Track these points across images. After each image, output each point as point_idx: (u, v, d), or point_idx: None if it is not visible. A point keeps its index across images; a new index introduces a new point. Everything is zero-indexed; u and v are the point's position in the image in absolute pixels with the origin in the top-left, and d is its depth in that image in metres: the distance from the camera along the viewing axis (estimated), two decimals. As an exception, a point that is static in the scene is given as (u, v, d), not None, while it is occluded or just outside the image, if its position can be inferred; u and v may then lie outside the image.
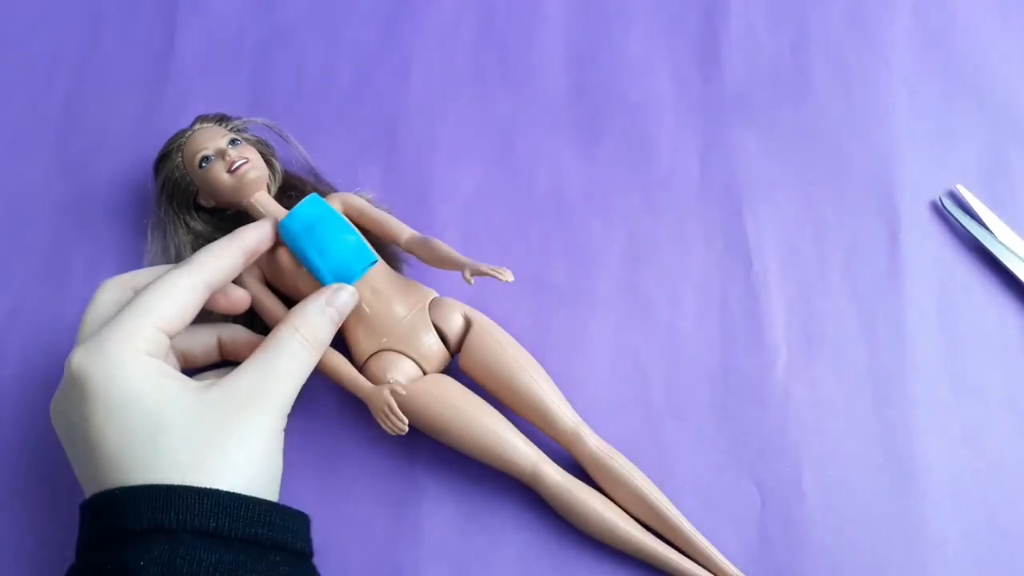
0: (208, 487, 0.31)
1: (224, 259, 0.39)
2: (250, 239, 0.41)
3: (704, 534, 0.43)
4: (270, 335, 0.37)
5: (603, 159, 0.53)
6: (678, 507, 0.43)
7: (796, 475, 0.45)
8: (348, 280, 0.42)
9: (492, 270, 0.42)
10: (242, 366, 0.35)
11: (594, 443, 0.43)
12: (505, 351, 0.44)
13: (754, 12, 0.57)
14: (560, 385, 0.45)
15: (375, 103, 0.54)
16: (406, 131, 0.54)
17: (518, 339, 0.45)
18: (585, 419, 0.45)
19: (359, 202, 0.47)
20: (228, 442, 0.32)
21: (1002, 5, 0.56)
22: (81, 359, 0.33)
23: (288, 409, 0.35)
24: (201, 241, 0.48)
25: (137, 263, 0.50)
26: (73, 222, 0.52)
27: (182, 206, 0.48)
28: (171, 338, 0.36)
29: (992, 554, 0.43)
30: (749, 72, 0.55)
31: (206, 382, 0.35)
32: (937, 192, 0.51)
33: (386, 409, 0.41)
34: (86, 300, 0.49)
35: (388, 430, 0.41)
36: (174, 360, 0.40)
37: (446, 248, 0.44)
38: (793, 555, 0.43)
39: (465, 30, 0.57)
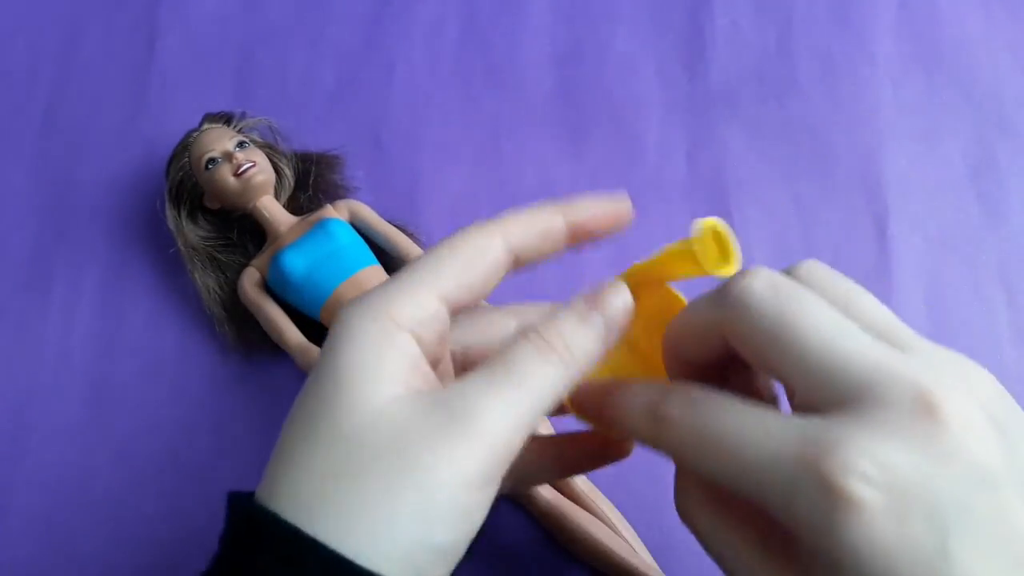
0: (348, 556, 0.21)
1: (539, 219, 0.28)
2: (584, 212, 0.29)
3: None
4: (509, 344, 0.25)
5: (589, 158, 0.52)
6: (671, 508, 0.43)
7: (788, 472, 0.45)
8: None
9: None
10: (460, 380, 0.24)
11: (578, 482, 0.42)
12: None
13: (739, 9, 0.56)
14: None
15: (360, 104, 0.54)
16: (391, 132, 0.53)
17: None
18: (575, 421, 0.45)
19: (367, 212, 0.47)
20: (401, 489, 0.22)
21: (985, -1, 0.57)
22: (344, 314, 0.25)
23: (510, 453, 0.24)
24: (207, 244, 0.48)
25: (122, 269, 0.50)
26: (55, 228, 0.51)
27: (188, 207, 0.48)
28: (454, 312, 0.26)
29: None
30: (734, 69, 0.55)
31: (428, 391, 0.24)
32: (924, 187, 0.52)
33: None
34: (69, 306, 0.49)
35: None
36: (445, 348, 0.28)
37: None
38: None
39: (449, 30, 0.56)
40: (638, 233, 0.50)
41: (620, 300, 0.27)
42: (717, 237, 0.27)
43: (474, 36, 0.56)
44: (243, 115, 0.50)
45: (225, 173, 0.45)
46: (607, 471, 0.44)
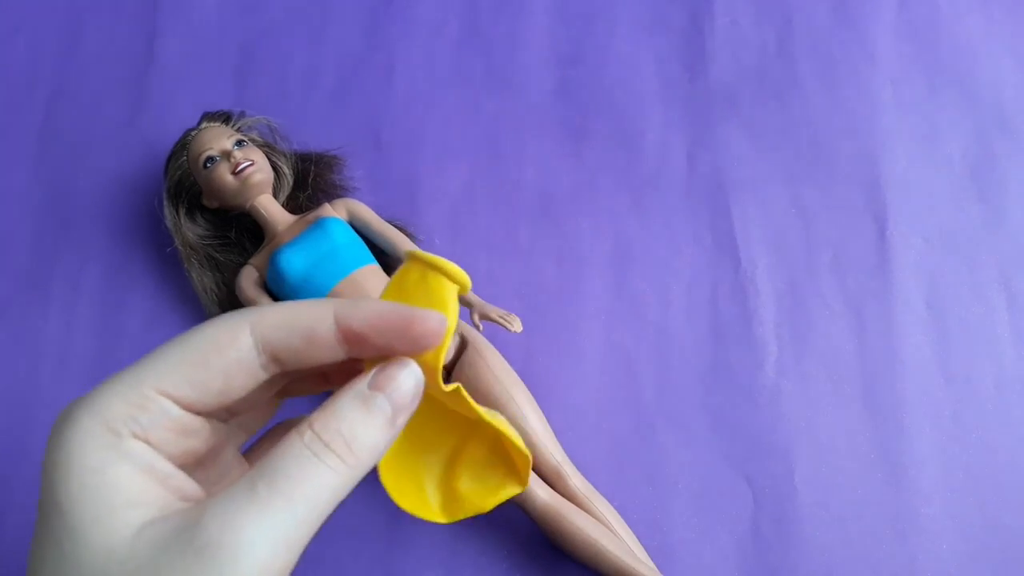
0: None
1: (302, 317, 0.23)
2: (361, 314, 0.23)
3: (697, 533, 0.43)
4: (279, 444, 0.22)
5: (590, 158, 0.52)
6: (671, 508, 0.43)
7: (788, 472, 0.45)
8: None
9: (501, 317, 0.42)
10: (220, 496, 0.21)
11: (575, 483, 0.42)
12: (495, 377, 0.43)
13: (739, 9, 0.56)
14: (551, 387, 0.45)
15: (360, 104, 0.54)
16: (391, 131, 0.53)
17: (507, 342, 0.45)
18: (575, 421, 0.45)
19: (365, 212, 0.47)
20: None
21: (985, -1, 0.57)
22: (55, 430, 0.21)
23: (287, 566, 0.21)
24: (205, 243, 0.47)
25: (122, 269, 0.50)
26: (55, 228, 0.51)
27: (186, 206, 0.48)
28: (198, 412, 0.23)
29: (984, 548, 0.43)
30: (734, 69, 0.55)
31: (180, 508, 0.21)
32: (924, 187, 0.52)
33: None
34: (69, 306, 0.49)
35: None
36: (201, 440, 0.23)
37: None
38: (786, 552, 0.43)
39: (449, 30, 0.56)
40: (638, 233, 0.51)
41: (409, 379, 0.23)
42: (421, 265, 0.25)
43: (474, 36, 0.56)
44: (242, 114, 0.50)
45: (223, 172, 0.45)
46: (605, 471, 0.44)
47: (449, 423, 0.26)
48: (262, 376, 0.23)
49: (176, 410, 0.22)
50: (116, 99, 0.54)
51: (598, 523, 0.41)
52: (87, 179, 0.52)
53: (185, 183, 0.47)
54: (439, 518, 0.26)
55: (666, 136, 0.53)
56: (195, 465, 0.24)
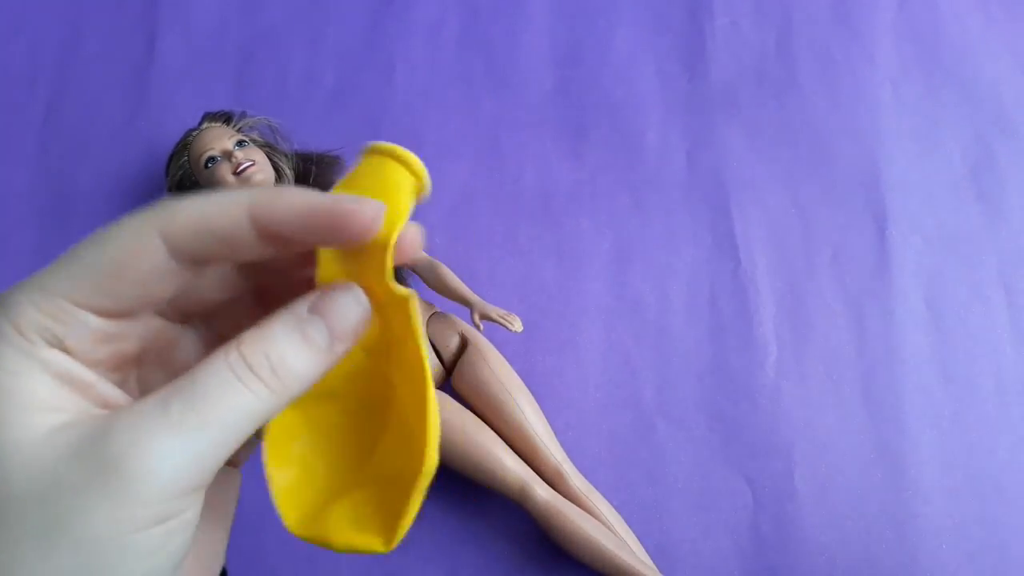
0: None
1: (215, 219, 0.20)
2: (271, 206, 0.20)
3: (697, 533, 0.43)
4: (203, 361, 0.20)
5: (590, 158, 0.52)
6: (671, 508, 0.43)
7: (788, 472, 0.45)
8: None
9: (501, 317, 0.42)
10: (130, 408, 0.19)
11: (575, 483, 0.42)
12: (496, 377, 0.43)
13: (739, 9, 0.56)
14: (550, 387, 0.45)
15: (359, 104, 0.54)
16: (391, 131, 0.53)
17: (507, 342, 0.45)
18: (575, 421, 0.45)
19: None
20: (57, 550, 0.18)
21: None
22: None
23: (193, 487, 0.19)
24: None
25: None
26: (56, 228, 0.51)
27: None
28: (122, 317, 0.21)
29: (984, 546, 0.43)
30: (734, 69, 0.55)
31: (96, 415, 0.20)
32: (924, 187, 0.52)
33: None
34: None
35: None
36: (132, 342, 0.22)
37: (454, 279, 0.44)
38: (786, 551, 0.43)
39: (449, 30, 0.56)
40: (638, 233, 0.51)
41: (354, 306, 0.21)
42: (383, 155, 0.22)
43: (474, 36, 0.56)
44: (243, 114, 0.50)
45: (224, 171, 0.46)
46: (605, 471, 0.45)
47: (360, 433, 0.22)
48: (186, 276, 0.21)
49: (94, 320, 0.20)
50: (116, 99, 0.54)
51: (598, 523, 0.41)
52: (88, 178, 0.52)
53: (186, 182, 0.47)
54: (292, 521, 0.21)
55: (666, 136, 0.53)
56: (134, 365, 0.22)
